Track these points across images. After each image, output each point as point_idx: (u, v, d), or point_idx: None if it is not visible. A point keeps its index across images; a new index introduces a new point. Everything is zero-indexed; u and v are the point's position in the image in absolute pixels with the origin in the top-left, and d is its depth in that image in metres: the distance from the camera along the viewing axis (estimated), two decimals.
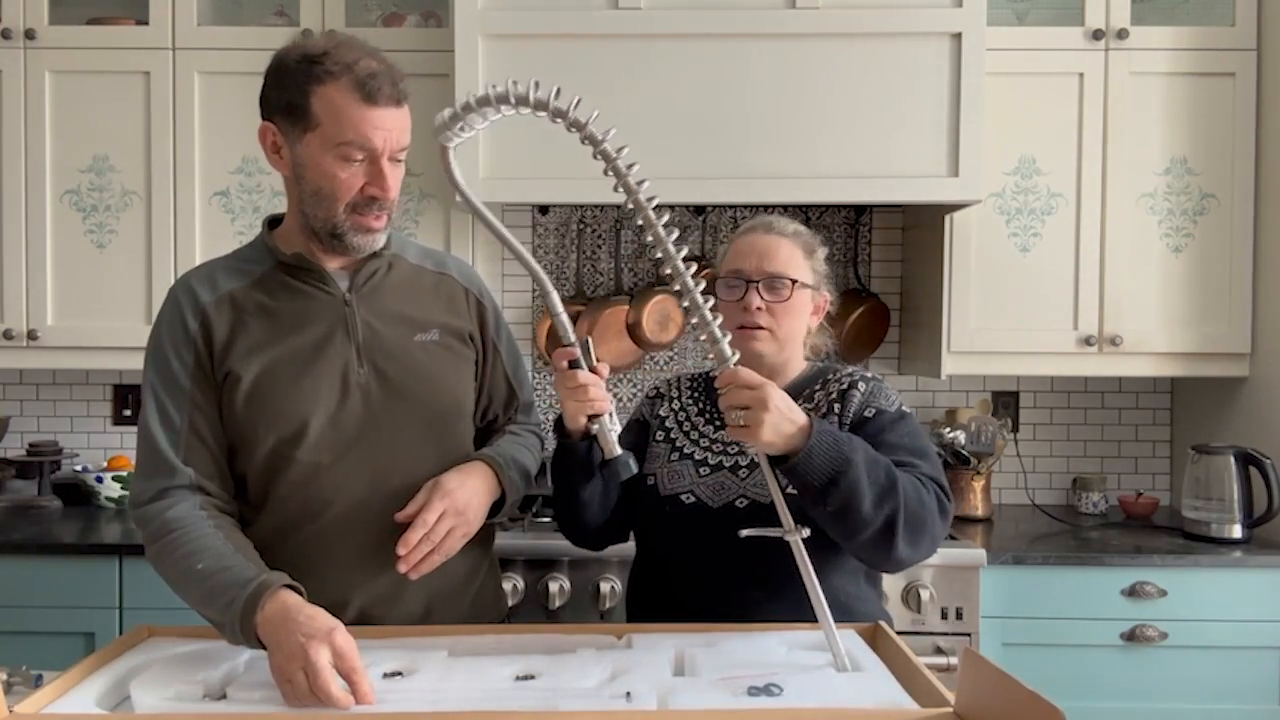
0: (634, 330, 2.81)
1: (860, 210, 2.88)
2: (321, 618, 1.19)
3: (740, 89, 2.38)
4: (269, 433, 1.40)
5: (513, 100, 1.22)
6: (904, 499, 1.35)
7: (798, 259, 1.56)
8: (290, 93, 1.35)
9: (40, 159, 2.60)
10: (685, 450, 1.59)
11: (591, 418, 1.38)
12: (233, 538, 1.35)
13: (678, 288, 1.27)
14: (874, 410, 1.52)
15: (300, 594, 1.26)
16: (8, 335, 2.60)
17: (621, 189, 1.24)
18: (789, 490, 1.34)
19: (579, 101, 1.22)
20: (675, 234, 1.27)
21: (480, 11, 2.39)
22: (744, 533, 1.33)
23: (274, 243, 1.46)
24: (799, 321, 1.57)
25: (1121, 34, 2.54)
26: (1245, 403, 2.62)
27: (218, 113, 2.59)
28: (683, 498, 1.54)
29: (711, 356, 1.31)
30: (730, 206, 2.86)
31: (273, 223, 1.51)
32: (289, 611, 1.20)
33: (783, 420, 1.29)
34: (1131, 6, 2.55)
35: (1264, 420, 2.55)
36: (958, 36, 2.36)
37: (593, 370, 1.38)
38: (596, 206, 2.89)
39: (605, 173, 1.24)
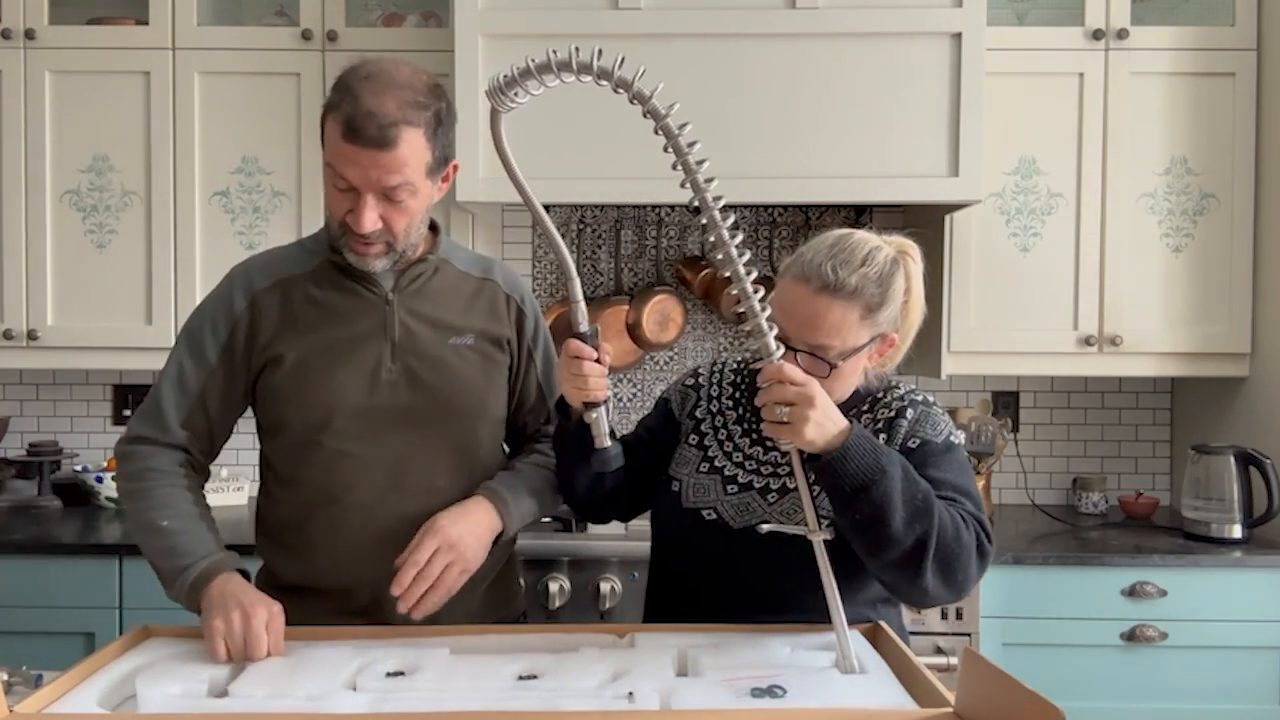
0: (634, 330, 2.81)
1: (860, 210, 2.88)
2: (257, 595, 1.35)
3: (740, 89, 2.38)
4: (297, 417, 1.50)
5: (575, 67, 1.19)
6: (939, 527, 1.28)
7: (850, 325, 1.38)
8: (324, 107, 1.44)
9: (40, 159, 2.60)
10: (716, 463, 1.52)
11: (588, 405, 1.37)
12: (199, 502, 1.49)
13: (728, 273, 1.24)
14: (919, 440, 1.43)
15: (247, 576, 1.42)
16: (8, 335, 2.59)
17: (680, 168, 1.22)
18: (819, 501, 1.32)
19: (644, 72, 1.19)
20: (731, 219, 1.24)
21: (480, 11, 2.39)
22: (764, 528, 1.33)
23: (332, 237, 1.53)
24: (846, 383, 1.44)
25: (1121, 34, 2.54)
26: (1245, 403, 2.62)
27: (218, 113, 2.59)
28: (704, 513, 1.48)
29: (755, 349, 1.27)
30: (730, 206, 2.85)
31: None
32: (233, 587, 1.35)
33: (825, 420, 1.25)
34: (1131, 6, 2.55)
35: (1264, 420, 2.55)
36: (958, 36, 2.36)
37: (596, 360, 1.37)
38: (596, 206, 2.89)
39: (665, 149, 1.22)
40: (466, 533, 1.43)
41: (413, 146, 1.39)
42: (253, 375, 1.53)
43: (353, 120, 1.36)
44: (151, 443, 1.50)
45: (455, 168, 1.51)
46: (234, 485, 2.80)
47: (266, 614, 1.31)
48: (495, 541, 1.50)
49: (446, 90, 1.46)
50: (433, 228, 1.59)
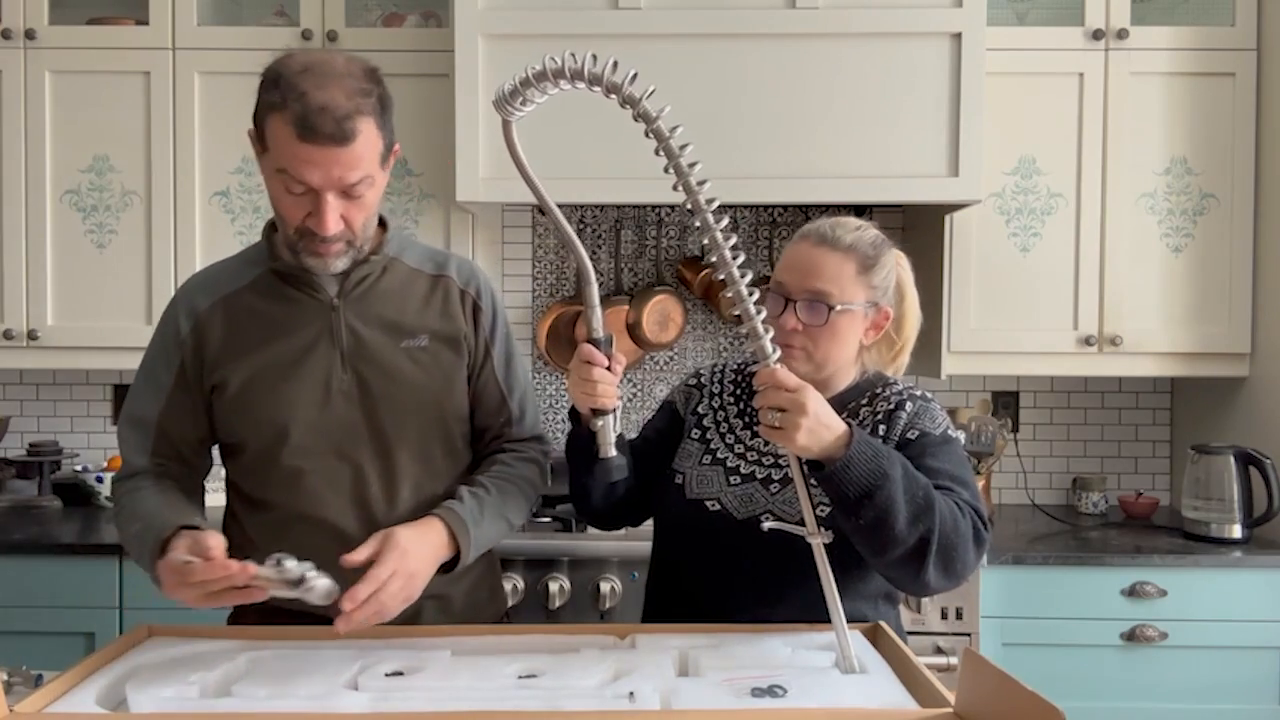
0: (634, 330, 2.81)
1: (860, 210, 2.87)
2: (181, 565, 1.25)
3: (740, 89, 2.38)
4: (252, 437, 1.46)
5: (567, 74, 1.20)
6: (940, 522, 1.30)
7: (846, 276, 1.45)
8: (257, 108, 1.36)
9: (40, 159, 2.60)
10: (719, 455, 1.54)
11: (595, 412, 1.36)
12: (163, 490, 1.44)
13: (723, 276, 1.24)
14: (918, 432, 1.45)
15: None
16: (8, 335, 2.59)
17: (672, 171, 1.22)
18: (819, 508, 1.32)
19: (634, 76, 1.19)
20: (725, 221, 1.23)
21: (480, 11, 2.38)
22: (766, 525, 1.33)
23: (272, 246, 1.49)
24: (841, 344, 1.47)
25: (1121, 34, 2.54)
26: (1245, 403, 2.62)
27: (218, 113, 2.59)
28: (707, 504, 1.50)
29: (752, 351, 1.27)
30: (730, 207, 2.86)
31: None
32: (167, 573, 1.28)
33: (819, 426, 1.25)
34: (1131, 6, 2.55)
35: (1264, 420, 2.55)
36: (958, 36, 2.36)
37: (608, 368, 1.36)
38: (596, 206, 2.89)
39: (657, 152, 1.22)
40: (422, 564, 1.33)
41: (368, 137, 1.33)
42: (206, 398, 1.48)
43: (305, 118, 1.28)
44: (126, 474, 1.50)
45: (396, 152, 1.44)
46: None
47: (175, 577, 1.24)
48: (447, 568, 1.41)
49: (380, 74, 1.39)
50: (381, 223, 1.52)
